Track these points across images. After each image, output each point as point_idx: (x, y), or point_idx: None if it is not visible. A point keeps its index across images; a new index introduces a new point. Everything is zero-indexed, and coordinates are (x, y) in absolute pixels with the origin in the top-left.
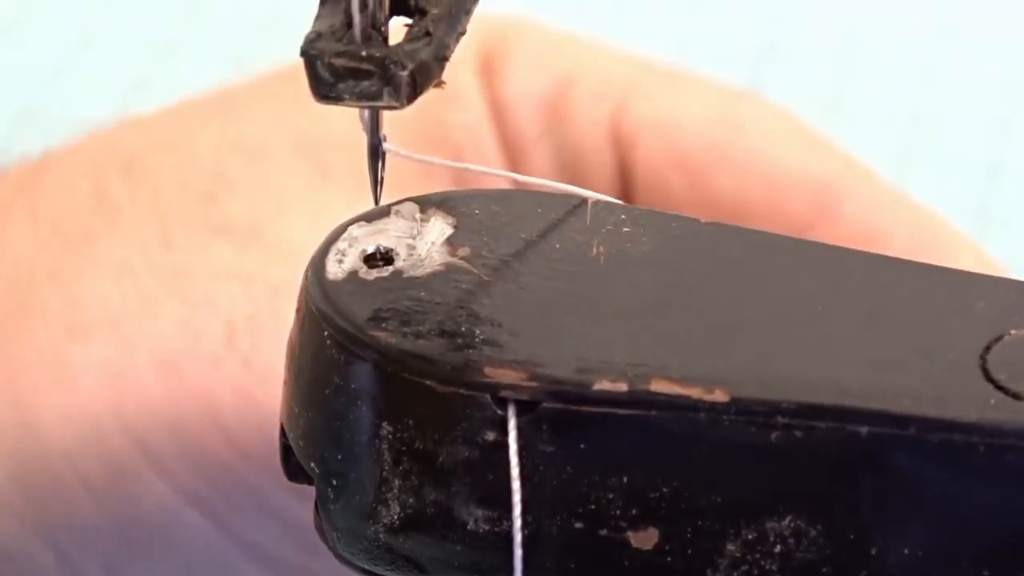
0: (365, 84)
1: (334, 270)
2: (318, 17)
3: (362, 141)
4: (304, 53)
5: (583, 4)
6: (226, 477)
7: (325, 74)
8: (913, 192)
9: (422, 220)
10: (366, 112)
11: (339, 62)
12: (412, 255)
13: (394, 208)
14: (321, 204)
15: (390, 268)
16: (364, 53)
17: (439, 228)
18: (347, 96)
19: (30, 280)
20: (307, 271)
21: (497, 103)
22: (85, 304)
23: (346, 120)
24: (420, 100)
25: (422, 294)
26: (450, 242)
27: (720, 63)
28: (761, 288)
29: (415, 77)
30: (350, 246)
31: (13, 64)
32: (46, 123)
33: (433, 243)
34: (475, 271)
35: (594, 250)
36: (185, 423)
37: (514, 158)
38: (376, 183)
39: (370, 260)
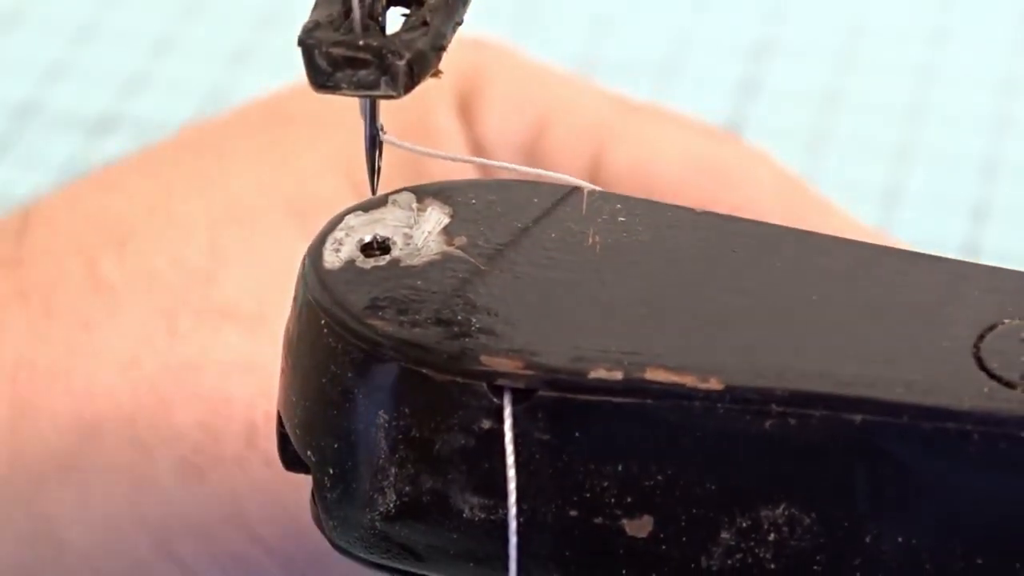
0: (362, 73)
1: (331, 259)
2: (316, 7)
3: (347, 199)
4: (302, 42)
5: (584, 3)
6: (251, 574)
7: (323, 63)
8: (910, 189)
9: (419, 209)
10: (367, 102)
11: (336, 51)
12: (409, 244)
13: (391, 198)
14: None
15: (387, 257)
16: (361, 42)
17: (436, 217)
18: (344, 85)
19: (32, 375)
20: (304, 260)
21: (477, 145)
22: (94, 402)
23: (332, 176)
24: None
25: (419, 283)
26: (447, 231)
27: (718, 59)
28: (756, 277)
29: (412, 66)
30: (347, 235)
31: (12, 58)
32: (45, 118)
33: (430, 232)
34: (471, 260)
35: (590, 239)
36: (210, 524)
37: None
38: (373, 173)
39: (367, 249)
